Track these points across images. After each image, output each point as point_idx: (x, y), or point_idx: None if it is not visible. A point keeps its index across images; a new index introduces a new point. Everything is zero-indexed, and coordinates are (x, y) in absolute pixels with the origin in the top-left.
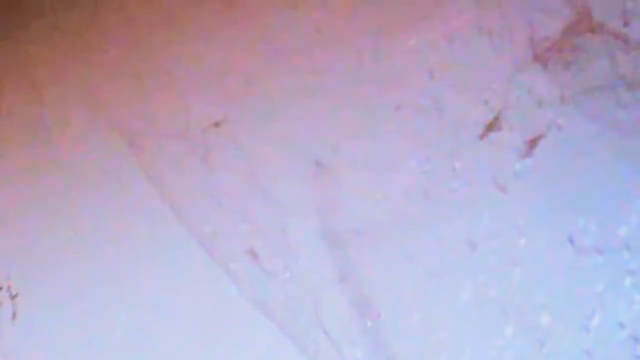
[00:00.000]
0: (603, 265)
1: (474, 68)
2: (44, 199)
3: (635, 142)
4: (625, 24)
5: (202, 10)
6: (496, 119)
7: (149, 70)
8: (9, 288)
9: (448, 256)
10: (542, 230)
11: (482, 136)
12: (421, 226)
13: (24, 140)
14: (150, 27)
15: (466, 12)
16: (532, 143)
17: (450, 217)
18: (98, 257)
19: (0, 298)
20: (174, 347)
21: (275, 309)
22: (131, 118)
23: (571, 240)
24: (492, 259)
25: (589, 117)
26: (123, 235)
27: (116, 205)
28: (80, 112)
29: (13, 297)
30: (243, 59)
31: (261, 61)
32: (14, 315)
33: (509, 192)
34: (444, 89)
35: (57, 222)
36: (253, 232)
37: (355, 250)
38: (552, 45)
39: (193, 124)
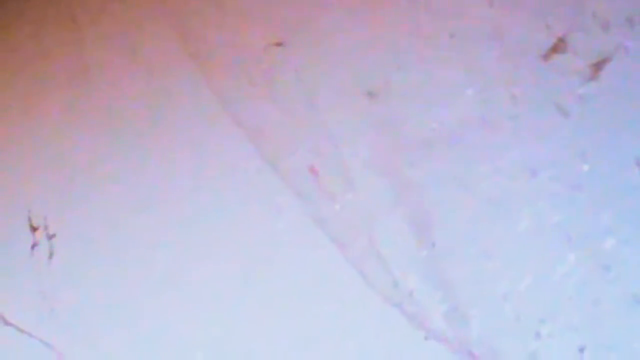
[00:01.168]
0: None
1: None
2: (81, 139)
3: None
4: None
5: None
6: (558, 44)
7: (192, 10)
8: (46, 228)
9: (507, 183)
10: (606, 154)
11: (543, 61)
12: (479, 153)
13: (62, 79)
14: None
15: None
16: (598, 66)
17: (509, 144)
18: (136, 193)
19: (37, 238)
20: (218, 283)
21: (332, 229)
22: (170, 55)
23: (638, 163)
24: (553, 185)
25: None
26: (163, 167)
27: (155, 141)
28: (119, 53)
29: (50, 237)
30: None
31: None
32: (50, 255)
33: (572, 116)
34: (503, 15)
35: (95, 162)
36: (313, 151)
37: (409, 179)
38: None
39: (256, 41)
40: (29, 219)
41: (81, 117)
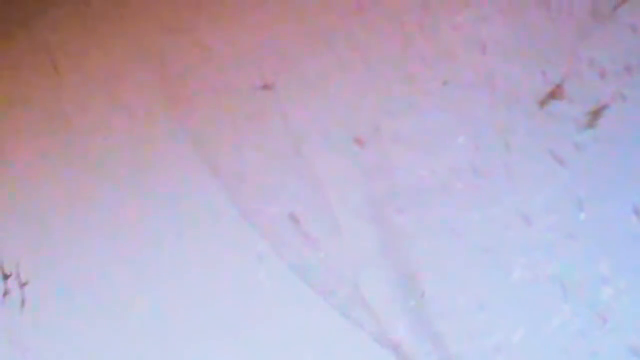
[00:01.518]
0: None
1: (530, 40)
2: (58, 186)
3: None
4: None
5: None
6: (554, 91)
7: (174, 52)
8: (18, 276)
9: (500, 232)
10: (604, 202)
11: (539, 108)
12: (471, 202)
13: (40, 127)
14: (176, 10)
15: None
16: (595, 115)
17: (503, 192)
18: (114, 241)
19: (8, 286)
20: (198, 330)
21: (316, 277)
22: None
23: (636, 211)
24: (549, 235)
25: None
26: (142, 215)
27: (134, 189)
28: (101, 98)
29: (23, 285)
30: (280, 38)
31: (299, 40)
32: (22, 304)
33: (568, 165)
34: (497, 62)
35: (72, 209)
36: (295, 198)
37: (398, 226)
38: (615, 15)
39: (241, 84)
40: (1, 266)
41: (58, 164)
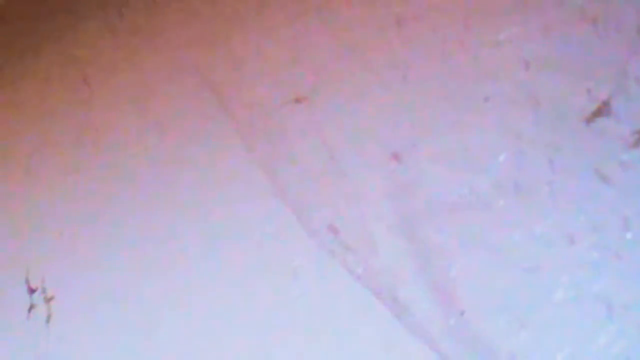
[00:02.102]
0: None
1: (575, 58)
2: (85, 200)
3: None
4: None
5: (269, 4)
6: (600, 108)
7: (207, 66)
8: (44, 290)
9: (542, 251)
10: None
11: (584, 127)
12: (512, 220)
13: (68, 141)
14: (209, 24)
15: (566, 1)
16: None
17: (545, 210)
18: (142, 256)
19: (34, 301)
20: (228, 348)
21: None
22: (183, 115)
23: None
24: (594, 253)
25: None
26: (172, 230)
27: (163, 204)
28: (131, 113)
29: (48, 299)
30: (315, 53)
31: (335, 56)
32: (48, 319)
33: (613, 183)
34: (540, 79)
35: (98, 224)
36: (334, 212)
37: (436, 244)
38: None
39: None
40: (27, 281)
41: (86, 178)
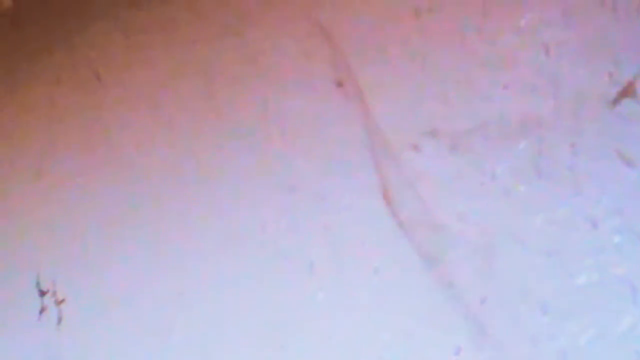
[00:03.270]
0: None
1: (595, 42)
2: (96, 201)
3: None
4: None
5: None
6: (621, 92)
7: (220, 64)
8: (54, 293)
9: (565, 235)
10: None
11: (606, 110)
12: (534, 205)
13: (79, 142)
14: (224, 20)
15: None
16: None
17: (567, 194)
18: (155, 257)
19: (45, 303)
20: (244, 347)
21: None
22: (196, 114)
23: None
24: (616, 236)
25: None
26: (185, 230)
27: (176, 204)
28: (144, 112)
29: (59, 302)
30: (331, 44)
31: (352, 46)
32: (59, 321)
33: (636, 165)
34: (561, 65)
35: (110, 225)
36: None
37: (457, 233)
38: None
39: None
40: (37, 283)
41: (97, 179)
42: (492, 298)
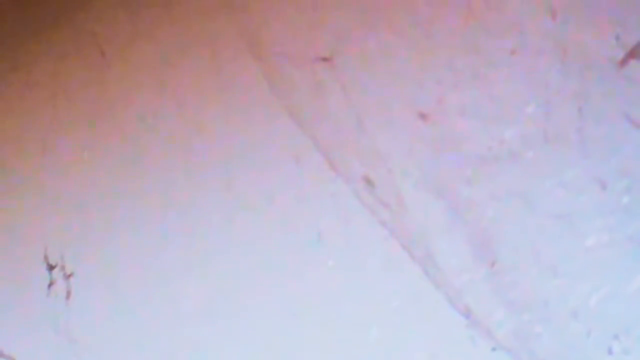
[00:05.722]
0: None
1: (602, 4)
2: (102, 176)
3: None
4: None
5: None
6: (628, 54)
7: (225, 36)
8: (63, 267)
9: (573, 197)
10: None
11: (613, 73)
12: (542, 169)
13: (84, 117)
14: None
15: None
16: None
17: (575, 157)
18: (162, 229)
19: (53, 277)
20: (253, 316)
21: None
22: (202, 89)
23: None
24: (625, 197)
25: None
26: (192, 201)
27: (183, 176)
28: (148, 86)
29: (67, 276)
30: (338, 14)
31: (358, 15)
32: (68, 295)
33: None
34: (567, 29)
35: (117, 199)
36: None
37: (466, 197)
38: None
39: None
40: (46, 257)
41: (103, 153)
42: (502, 260)
